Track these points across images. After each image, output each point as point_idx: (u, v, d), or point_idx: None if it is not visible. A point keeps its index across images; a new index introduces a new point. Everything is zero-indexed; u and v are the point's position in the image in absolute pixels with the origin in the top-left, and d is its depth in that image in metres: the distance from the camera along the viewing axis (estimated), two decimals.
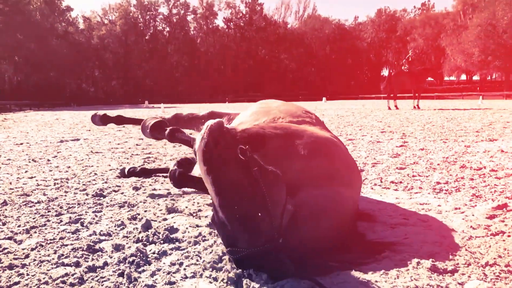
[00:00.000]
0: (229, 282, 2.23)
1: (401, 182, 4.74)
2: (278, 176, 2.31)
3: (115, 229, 3.16)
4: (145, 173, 5.26)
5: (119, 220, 3.39)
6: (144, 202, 3.98)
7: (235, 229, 2.15)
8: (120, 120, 4.84)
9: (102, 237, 2.98)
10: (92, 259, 2.58)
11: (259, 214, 2.13)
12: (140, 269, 2.43)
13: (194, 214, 3.56)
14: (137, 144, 8.85)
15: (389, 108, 24.31)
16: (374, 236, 2.98)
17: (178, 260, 2.54)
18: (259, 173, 2.18)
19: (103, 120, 4.84)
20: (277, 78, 79.20)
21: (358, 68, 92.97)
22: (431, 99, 47.13)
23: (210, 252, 2.61)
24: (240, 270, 2.28)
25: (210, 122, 2.23)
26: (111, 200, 4.05)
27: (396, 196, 4.16)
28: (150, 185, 4.76)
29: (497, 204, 3.64)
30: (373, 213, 3.53)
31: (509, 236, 2.92)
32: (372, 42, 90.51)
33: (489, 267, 2.36)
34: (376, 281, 2.19)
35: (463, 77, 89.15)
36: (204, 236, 2.93)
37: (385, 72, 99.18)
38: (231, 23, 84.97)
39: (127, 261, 2.50)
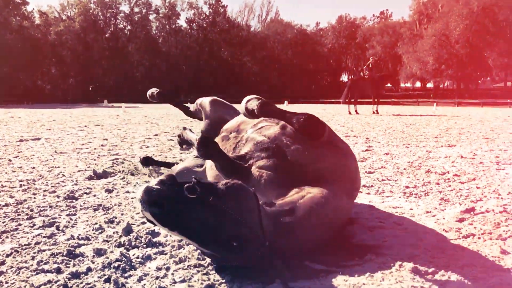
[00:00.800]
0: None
1: (372, 186, 4.88)
2: (239, 186, 2.25)
3: (94, 233, 3.07)
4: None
5: (96, 223, 3.30)
6: (119, 205, 3.90)
7: (223, 254, 2.16)
8: (170, 100, 5.41)
9: (81, 242, 2.90)
10: (74, 265, 2.51)
11: (237, 232, 2.11)
12: (126, 274, 2.38)
13: None
14: (102, 145, 8.62)
15: (350, 113, 24.88)
16: (355, 239, 3.06)
17: (164, 264, 2.51)
18: (217, 199, 2.10)
19: (158, 95, 5.17)
20: (240, 81, 79.30)
21: (319, 73, 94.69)
22: (388, 105, 48.64)
23: (197, 258, 2.59)
24: (231, 276, 2.30)
25: (140, 191, 2.00)
26: (84, 203, 3.94)
27: (370, 199, 4.28)
28: (122, 187, 4.66)
29: (465, 208, 3.82)
30: (350, 216, 3.61)
31: (479, 238, 3.07)
32: (332, 48, 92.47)
33: (466, 268, 2.48)
34: (364, 284, 2.25)
35: (418, 84, 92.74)
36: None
37: (344, 78, 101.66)
38: (194, 24, 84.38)
39: (112, 266, 2.44)
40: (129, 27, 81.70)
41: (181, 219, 2.01)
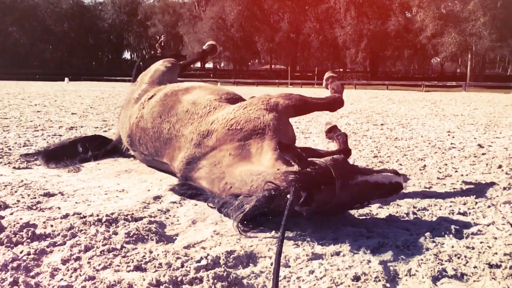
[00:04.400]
0: (145, 268, 2.16)
1: None
2: None
3: None
4: None
5: None
6: None
7: None
8: None
9: None
10: None
11: None
12: (32, 273, 2.05)
13: (35, 208, 3.09)
14: None
15: None
16: None
17: (71, 255, 2.23)
18: None
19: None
20: (5, 54, 68.39)
21: (100, 49, 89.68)
22: None
23: (104, 243, 2.39)
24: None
25: None
26: None
27: None
28: None
29: None
30: None
31: None
32: (113, 23, 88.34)
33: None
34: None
35: (198, 64, 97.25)
36: (79, 227, 2.63)
37: (127, 55, 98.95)
38: None
39: (9, 268, 2.06)
40: None
41: None
